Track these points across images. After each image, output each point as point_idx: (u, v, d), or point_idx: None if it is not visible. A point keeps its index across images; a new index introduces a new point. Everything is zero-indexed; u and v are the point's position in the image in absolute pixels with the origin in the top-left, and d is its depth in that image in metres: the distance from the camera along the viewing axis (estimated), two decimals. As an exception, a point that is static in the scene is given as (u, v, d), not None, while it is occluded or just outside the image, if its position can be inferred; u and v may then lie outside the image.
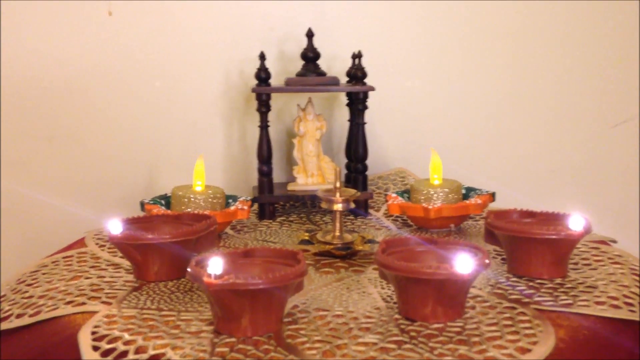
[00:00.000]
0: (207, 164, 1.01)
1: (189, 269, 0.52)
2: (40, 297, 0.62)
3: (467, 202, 0.82)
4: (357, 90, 0.89)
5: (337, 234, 0.75)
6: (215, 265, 0.50)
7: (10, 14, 0.95)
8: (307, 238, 0.76)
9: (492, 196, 0.85)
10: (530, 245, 0.64)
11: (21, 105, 0.97)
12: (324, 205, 0.74)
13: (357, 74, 0.89)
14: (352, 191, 0.75)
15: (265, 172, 0.90)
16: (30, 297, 0.62)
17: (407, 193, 0.88)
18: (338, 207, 0.73)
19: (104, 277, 0.66)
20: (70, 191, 0.99)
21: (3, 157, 0.97)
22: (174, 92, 1.01)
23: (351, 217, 0.89)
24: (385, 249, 0.59)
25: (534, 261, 0.65)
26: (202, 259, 0.54)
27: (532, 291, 0.62)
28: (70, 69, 0.97)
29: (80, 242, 0.78)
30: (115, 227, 0.63)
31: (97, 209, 0.99)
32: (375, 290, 0.63)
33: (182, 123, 1.01)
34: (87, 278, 0.66)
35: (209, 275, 0.49)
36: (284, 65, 1.02)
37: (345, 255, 0.73)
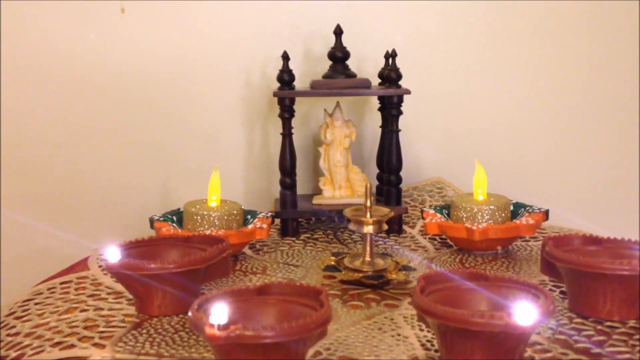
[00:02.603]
0: (227, 173, 0.93)
1: (190, 314, 0.44)
2: (27, 334, 0.54)
3: (517, 222, 0.72)
4: (391, 93, 0.80)
5: (368, 259, 0.66)
6: (219, 312, 0.41)
7: (15, 12, 0.88)
8: (333, 264, 0.67)
9: (545, 214, 0.75)
10: (598, 282, 0.54)
11: (27, 109, 0.90)
12: (352, 227, 0.65)
13: (390, 75, 0.80)
14: (385, 210, 0.66)
15: (288, 184, 0.81)
16: (17, 334, 0.54)
17: (446, 209, 0.78)
18: (369, 229, 0.64)
19: (101, 309, 0.58)
20: (79, 202, 0.91)
21: (5, 163, 0.90)
22: (191, 96, 0.93)
23: (383, 234, 0.80)
24: (425, 288, 0.49)
25: (602, 300, 0.54)
26: (206, 300, 0.46)
27: (602, 337, 0.52)
28: (80, 69, 0.90)
29: (83, 263, 0.70)
30: (112, 254, 0.55)
31: (107, 223, 0.92)
32: (412, 332, 0.54)
33: (200, 129, 0.94)
34: (83, 310, 0.58)
35: (212, 326, 0.41)
36: (311, 66, 0.93)
37: (377, 285, 0.63)
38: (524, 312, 0.43)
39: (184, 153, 0.94)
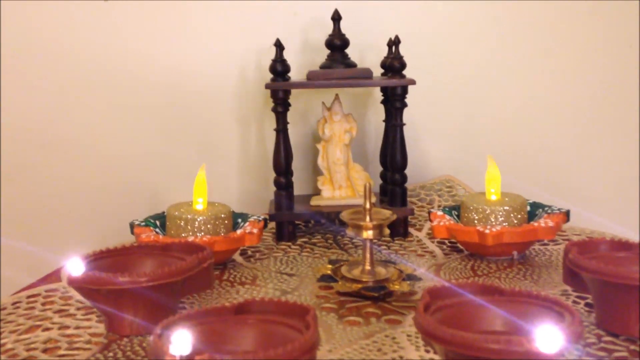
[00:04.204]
0: (221, 172, 0.87)
1: (150, 340, 0.37)
2: (-21, 358, 0.48)
3: (535, 224, 0.64)
4: (394, 84, 0.73)
5: (368, 267, 0.59)
6: (182, 340, 0.35)
7: (7, 13, 0.82)
8: (329, 273, 0.60)
9: (566, 215, 0.67)
10: (630, 294, 0.47)
11: (9, 107, 0.84)
12: (350, 232, 0.58)
13: (394, 64, 0.73)
14: (386, 213, 0.59)
15: (282, 184, 0.75)
16: (-32, 357, 0.48)
17: (456, 210, 0.71)
18: (368, 235, 0.57)
19: (67, 327, 0.52)
20: (61, 206, 0.85)
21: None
22: (181, 90, 0.86)
23: (387, 237, 0.73)
24: (430, 304, 0.43)
25: (635, 315, 0.47)
26: (172, 324, 0.39)
27: (636, 360, 0.45)
28: (64, 65, 0.84)
29: (57, 274, 0.64)
30: (75, 266, 0.49)
31: (91, 229, 0.85)
32: (417, 354, 0.47)
33: (191, 125, 0.87)
34: (46, 329, 0.52)
35: (173, 356, 0.34)
36: (310, 56, 0.86)
37: (378, 297, 0.57)
38: (548, 336, 0.36)
39: (174, 151, 0.88)
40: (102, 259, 0.53)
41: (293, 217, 0.75)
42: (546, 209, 0.68)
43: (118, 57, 0.84)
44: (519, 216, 0.66)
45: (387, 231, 0.58)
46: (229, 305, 0.43)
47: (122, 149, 0.86)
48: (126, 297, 0.49)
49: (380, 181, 0.81)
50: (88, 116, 0.85)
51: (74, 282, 0.49)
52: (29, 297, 0.58)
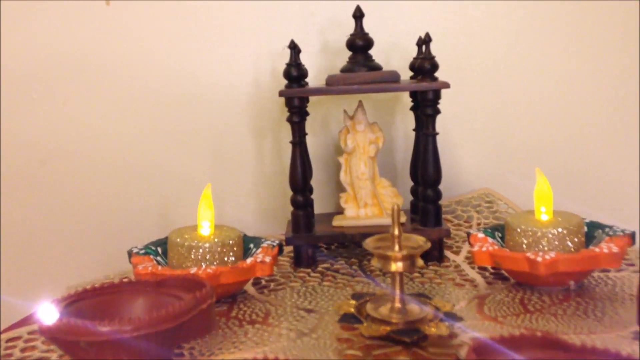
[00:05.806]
0: (235, 187, 0.79)
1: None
2: None
3: (596, 250, 0.55)
4: (425, 88, 0.64)
5: (397, 305, 0.50)
6: None
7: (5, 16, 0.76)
8: (352, 311, 0.51)
9: (631, 238, 0.57)
10: None
11: (5, 119, 0.78)
12: (375, 263, 0.49)
13: (424, 65, 0.64)
14: (419, 240, 0.50)
15: (300, 203, 0.67)
16: None
17: (499, 230, 0.62)
18: (397, 267, 0.48)
19: (44, 382, 0.45)
20: (60, 229, 0.79)
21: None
22: (191, 99, 0.79)
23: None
24: (477, 366, 0.34)
25: None
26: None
27: None
28: (64, 69, 0.77)
29: (46, 310, 0.57)
30: (48, 312, 0.41)
31: (91, 255, 0.78)
32: (459, 422, 0.38)
33: (201, 138, 0.80)
34: (19, 385, 0.44)
35: None
36: (330, 59, 0.79)
37: (411, 343, 0.48)
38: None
39: (185, 167, 0.80)
40: (84, 300, 0.45)
41: (312, 240, 0.66)
42: (607, 230, 0.58)
43: (122, 62, 0.78)
44: (576, 240, 0.56)
45: (420, 262, 0.49)
46: (223, 367, 0.34)
47: (128, 164, 0.79)
48: (109, 349, 0.41)
49: (410, 197, 0.72)
50: (92, 128, 0.79)
51: (46, 332, 0.41)
52: (8, 340, 0.51)
